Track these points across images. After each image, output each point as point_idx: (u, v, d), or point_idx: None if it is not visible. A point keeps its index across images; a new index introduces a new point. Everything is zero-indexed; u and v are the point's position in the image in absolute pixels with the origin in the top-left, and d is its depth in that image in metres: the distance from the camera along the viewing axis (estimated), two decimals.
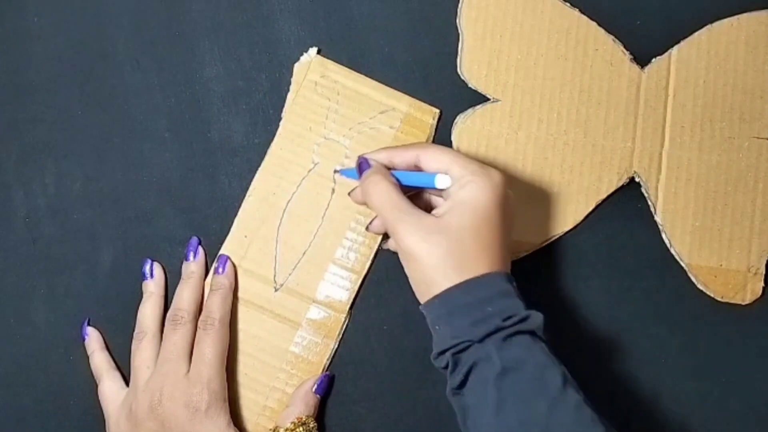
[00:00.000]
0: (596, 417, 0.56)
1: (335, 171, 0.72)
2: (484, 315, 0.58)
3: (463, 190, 0.61)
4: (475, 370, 0.58)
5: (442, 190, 0.63)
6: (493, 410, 0.56)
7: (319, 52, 0.73)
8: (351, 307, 0.72)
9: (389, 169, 0.65)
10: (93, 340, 0.72)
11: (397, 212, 0.61)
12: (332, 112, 0.73)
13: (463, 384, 0.59)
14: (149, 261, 0.72)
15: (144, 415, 0.66)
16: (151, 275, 0.72)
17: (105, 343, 0.72)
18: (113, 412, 0.69)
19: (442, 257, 0.59)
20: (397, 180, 0.64)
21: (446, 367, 0.59)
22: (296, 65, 0.73)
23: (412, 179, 0.64)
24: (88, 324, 0.72)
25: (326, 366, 0.71)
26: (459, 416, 0.60)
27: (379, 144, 0.72)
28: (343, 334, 0.72)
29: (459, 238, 0.59)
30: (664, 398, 0.71)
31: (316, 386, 0.70)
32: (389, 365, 0.71)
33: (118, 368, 0.71)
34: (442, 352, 0.59)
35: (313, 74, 0.73)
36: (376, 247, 0.72)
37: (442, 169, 0.62)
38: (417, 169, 0.64)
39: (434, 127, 0.73)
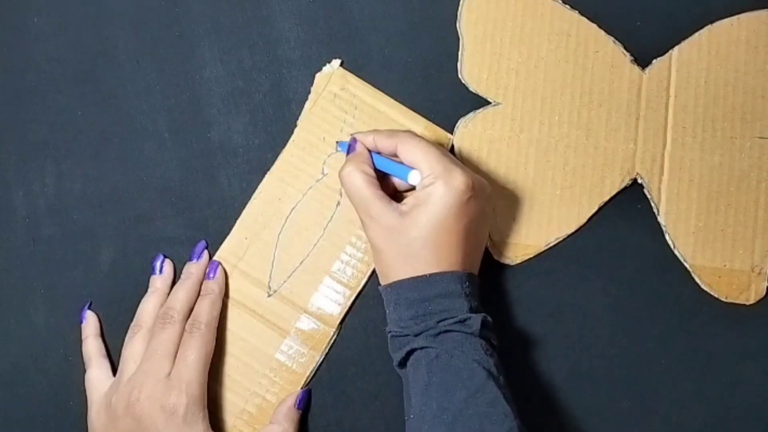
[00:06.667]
0: (509, 413, 0.59)
1: (336, 142, 0.72)
2: (424, 312, 0.63)
3: (424, 192, 0.64)
4: (413, 355, 0.63)
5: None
6: (422, 390, 0.62)
7: (341, 65, 0.74)
8: (341, 322, 0.72)
9: (374, 150, 0.68)
10: (90, 325, 0.72)
11: (364, 206, 0.65)
12: (347, 126, 0.73)
13: (402, 364, 0.64)
14: (161, 256, 0.72)
15: (122, 410, 0.65)
16: (161, 271, 0.72)
17: (102, 330, 0.72)
18: (96, 401, 0.68)
19: (397, 255, 0.64)
20: (376, 164, 0.67)
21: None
22: (318, 75, 0.74)
23: (390, 167, 0.67)
24: (89, 308, 0.73)
25: (309, 379, 0.71)
26: (404, 386, 0.65)
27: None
28: (329, 350, 0.72)
29: (413, 240, 0.63)
30: (667, 398, 0.71)
31: (297, 401, 0.70)
32: (389, 365, 0.70)
33: (111, 360, 0.71)
34: (389, 332, 0.65)
35: (334, 86, 0.73)
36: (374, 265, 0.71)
37: (415, 163, 0.65)
38: (397, 156, 0.66)
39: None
